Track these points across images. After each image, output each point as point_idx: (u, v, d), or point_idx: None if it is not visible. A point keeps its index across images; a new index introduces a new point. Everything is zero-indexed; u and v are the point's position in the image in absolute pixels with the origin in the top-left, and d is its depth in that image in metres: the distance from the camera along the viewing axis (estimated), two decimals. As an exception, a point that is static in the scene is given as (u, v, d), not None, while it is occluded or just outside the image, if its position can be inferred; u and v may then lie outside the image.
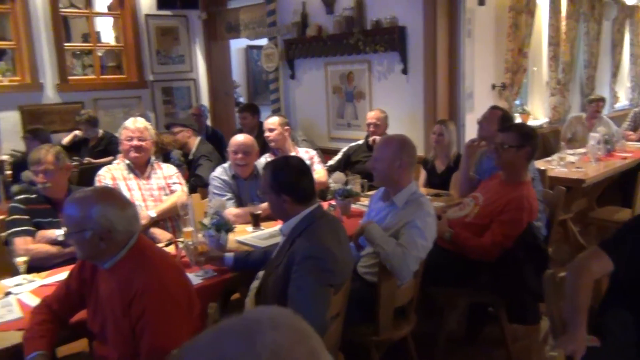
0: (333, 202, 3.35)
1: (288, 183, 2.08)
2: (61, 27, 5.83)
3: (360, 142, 4.61)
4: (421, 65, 4.60)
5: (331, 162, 4.56)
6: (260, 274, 2.26)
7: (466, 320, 3.15)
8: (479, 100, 4.86)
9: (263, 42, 6.15)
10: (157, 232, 3.16)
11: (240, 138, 3.37)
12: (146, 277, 1.73)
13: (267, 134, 3.97)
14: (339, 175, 3.51)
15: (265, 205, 3.18)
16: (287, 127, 4.03)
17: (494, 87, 5.19)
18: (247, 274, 2.41)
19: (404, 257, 2.30)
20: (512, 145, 2.78)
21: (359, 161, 4.43)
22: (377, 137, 4.31)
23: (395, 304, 2.45)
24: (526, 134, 2.83)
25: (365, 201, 3.47)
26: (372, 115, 4.48)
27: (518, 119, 5.81)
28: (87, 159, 5.22)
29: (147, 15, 6.34)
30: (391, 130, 4.42)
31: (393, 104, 4.79)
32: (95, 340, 1.91)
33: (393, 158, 2.52)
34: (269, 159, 3.81)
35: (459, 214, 2.96)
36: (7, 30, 6.64)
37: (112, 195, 1.81)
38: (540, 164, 4.12)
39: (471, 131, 4.35)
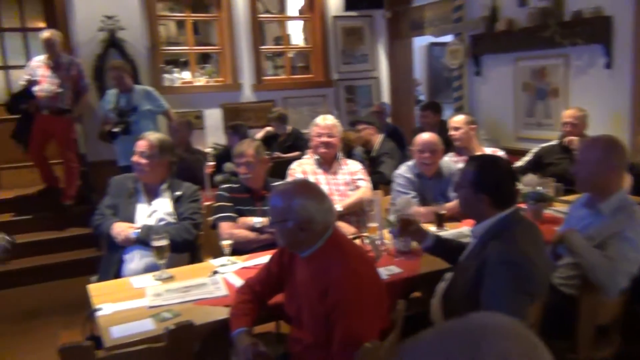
0: (523, 206, 3.15)
1: (492, 183, 1.98)
2: (258, 32, 6.34)
3: (554, 142, 4.26)
4: (629, 59, 4.12)
5: (519, 163, 4.30)
6: (447, 275, 2.21)
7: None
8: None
9: (447, 39, 6.02)
10: (342, 225, 3.28)
11: (426, 136, 3.33)
12: (341, 267, 1.80)
13: (451, 132, 3.88)
14: (531, 177, 3.29)
15: (450, 204, 3.12)
16: (473, 126, 3.89)
17: None
18: (430, 276, 2.39)
19: (613, 270, 2.07)
20: None
21: (552, 163, 4.10)
22: (574, 138, 3.96)
23: (597, 321, 2.22)
24: None
25: (559, 206, 3.21)
26: (569, 114, 4.12)
27: None
28: (276, 154, 5.61)
29: (334, 17, 6.60)
30: (591, 131, 4.02)
31: (593, 102, 4.35)
32: (291, 324, 2.03)
33: (600, 161, 2.28)
34: (453, 159, 3.72)
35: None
36: (212, 37, 7.44)
37: (311, 189, 1.91)
38: None
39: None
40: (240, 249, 2.88)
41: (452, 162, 3.55)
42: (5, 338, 3.76)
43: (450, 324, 0.74)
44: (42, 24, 5.88)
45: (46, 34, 4.89)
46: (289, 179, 3.40)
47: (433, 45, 8.61)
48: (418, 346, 0.74)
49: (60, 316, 4.08)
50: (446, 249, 2.38)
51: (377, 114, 5.84)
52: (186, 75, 6.32)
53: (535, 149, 4.36)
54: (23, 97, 4.94)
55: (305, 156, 3.76)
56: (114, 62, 5.02)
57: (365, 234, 2.83)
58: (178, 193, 2.95)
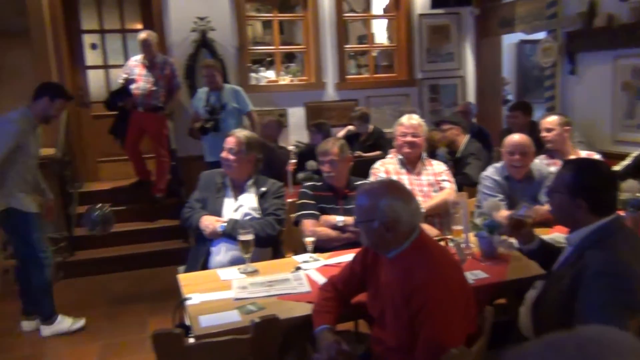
0: (621, 213, 2.94)
1: (592, 188, 1.86)
2: (343, 30, 6.36)
3: (656, 146, 3.96)
4: None
5: (617, 168, 4.02)
6: (538, 283, 2.11)
7: None
8: None
9: (538, 36, 5.75)
10: (425, 227, 3.21)
11: (516, 138, 3.20)
12: (427, 271, 1.77)
13: (544, 134, 3.70)
14: (631, 183, 3.08)
15: (542, 210, 2.97)
16: (567, 127, 3.69)
17: None
18: (518, 283, 2.29)
19: None
20: None
21: (655, 168, 3.81)
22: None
23: None
24: None
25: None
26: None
27: None
28: (357, 153, 5.60)
29: (420, 15, 6.49)
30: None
31: None
32: (373, 325, 2.02)
33: None
34: (545, 161, 3.55)
35: None
36: (296, 36, 7.55)
37: (399, 189, 1.89)
38: None
39: None
40: (321, 246, 2.90)
41: (543, 165, 3.39)
42: (97, 321, 4.01)
43: (559, 337, 0.70)
44: (139, 26, 6.22)
45: (143, 35, 5.16)
46: (371, 178, 3.38)
47: (523, 42, 8.25)
48: (523, 358, 0.70)
49: (148, 303, 4.30)
50: (547, 254, 2.25)
51: (463, 113, 5.68)
52: (271, 74, 6.45)
53: (635, 152, 4.06)
54: (121, 95, 5.24)
55: (388, 156, 3.73)
56: (207, 61, 5.21)
57: (449, 237, 2.77)
58: (263, 189, 3.02)
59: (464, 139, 4.54)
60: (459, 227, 2.75)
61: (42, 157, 4.02)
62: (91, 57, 6.30)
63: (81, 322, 3.84)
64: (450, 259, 1.92)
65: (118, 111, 5.34)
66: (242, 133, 3.05)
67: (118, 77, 5.47)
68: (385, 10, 6.94)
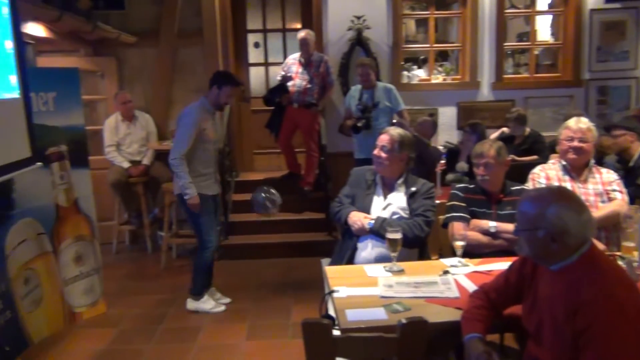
0: None
1: None
2: (503, 27, 6.05)
3: None
4: None
5: None
6: None
7: None
8: None
9: None
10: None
11: None
12: (596, 287, 1.60)
13: None
14: None
15: None
16: None
17: None
18: None
19: None
20: None
21: None
22: None
23: None
24: None
25: None
26: None
27: None
28: (511, 156, 5.28)
29: (592, 10, 5.95)
30: None
31: None
32: (529, 340, 1.88)
33: None
34: None
35: None
36: (450, 34, 7.36)
37: (569, 197, 1.73)
38: None
39: None
40: (470, 251, 2.78)
41: None
42: (245, 303, 4.27)
43: None
44: (298, 25, 6.49)
45: (302, 33, 5.37)
46: (529, 184, 3.17)
47: None
48: None
49: (292, 291, 4.47)
50: None
51: (638, 118, 5.10)
52: (422, 73, 6.35)
53: None
54: (278, 91, 5.50)
55: (550, 161, 3.46)
56: (363, 59, 5.27)
57: (618, 254, 2.50)
58: (413, 189, 2.97)
59: (639, 147, 4.07)
60: (631, 244, 2.47)
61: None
62: (253, 54, 6.73)
63: (221, 308, 4.10)
64: (626, 278, 1.71)
65: (274, 107, 5.61)
66: (396, 131, 3.03)
67: (277, 74, 5.76)
68: (550, 5, 6.47)
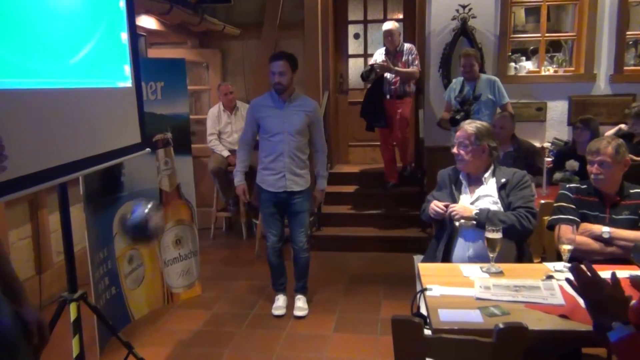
0: None
1: None
2: (626, 15, 5.53)
3: None
4: None
5: None
6: None
7: None
8: None
9: None
10: None
11: None
12: None
13: None
14: None
15: None
16: None
17: None
18: None
19: None
20: None
21: None
22: None
23: None
24: None
25: None
26: None
27: None
28: (630, 156, 4.83)
29: None
30: None
31: None
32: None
33: None
34: None
35: None
36: (565, 23, 6.85)
37: None
38: None
39: None
40: (578, 257, 2.55)
41: None
42: (335, 295, 4.26)
43: None
44: (400, 15, 6.35)
45: (387, 26, 5.25)
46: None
47: None
48: None
49: (382, 286, 4.40)
50: None
51: None
52: (530, 64, 5.96)
53: None
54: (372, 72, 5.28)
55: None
56: (467, 50, 5.04)
57: None
58: (503, 180, 2.80)
59: None
60: None
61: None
62: (353, 46, 6.67)
63: (280, 311, 3.91)
64: None
65: (371, 86, 5.44)
66: (470, 124, 2.87)
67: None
68: (683, -10, 5.83)
